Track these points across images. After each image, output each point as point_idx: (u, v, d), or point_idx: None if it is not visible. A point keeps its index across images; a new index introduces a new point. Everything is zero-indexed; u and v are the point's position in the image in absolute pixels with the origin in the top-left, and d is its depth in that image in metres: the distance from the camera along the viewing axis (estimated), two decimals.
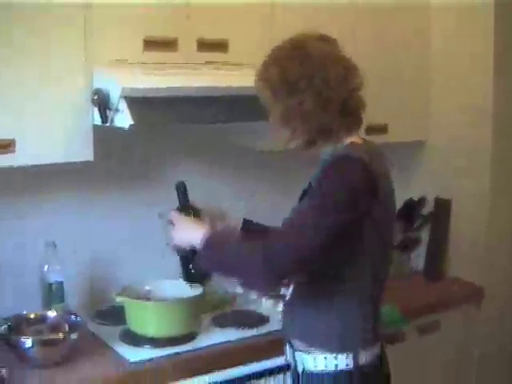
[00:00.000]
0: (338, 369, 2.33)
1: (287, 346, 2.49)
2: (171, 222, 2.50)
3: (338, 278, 2.32)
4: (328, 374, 2.34)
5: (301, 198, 2.43)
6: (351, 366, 2.32)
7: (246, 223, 2.70)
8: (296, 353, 2.42)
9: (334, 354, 2.32)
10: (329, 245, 2.18)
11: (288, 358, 2.50)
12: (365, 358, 2.34)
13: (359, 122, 2.39)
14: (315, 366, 2.36)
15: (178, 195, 2.62)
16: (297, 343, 2.42)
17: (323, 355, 2.34)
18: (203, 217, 2.57)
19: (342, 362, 2.32)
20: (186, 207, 2.60)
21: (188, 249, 2.45)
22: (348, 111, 2.31)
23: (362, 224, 2.24)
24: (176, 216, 2.52)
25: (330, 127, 2.30)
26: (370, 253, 2.31)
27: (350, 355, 2.32)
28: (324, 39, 2.34)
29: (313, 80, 2.24)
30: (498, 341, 3.69)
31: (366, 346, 2.35)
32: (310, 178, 2.39)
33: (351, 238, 2.24)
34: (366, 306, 2.37)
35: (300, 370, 2.41)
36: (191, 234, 2.40)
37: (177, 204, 2.61)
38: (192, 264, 2.53)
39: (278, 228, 2.29)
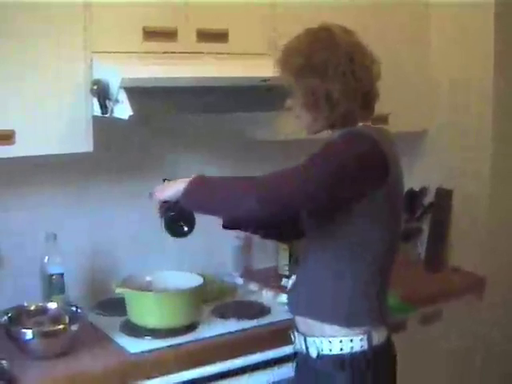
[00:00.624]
0: (354, 350, 2.37)
1: (296, 334, 2.52)
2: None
3: (346, 249, 2.37)
4: (344, 356, 2.37)
5: None
6: (366, 347, 2.37)
7: None
8: (308, 338, 2.44)
9: (350, 337, 2.36)
10: (332, 186, 2.20)
11: (297, 345, 2.52)
12: (377, 339, 2.39)
13: (372, 111, 2.45)
14: (330, 350, 2.39)
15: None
16: (307, 327, 2.45)
17: (338, 338, 2.37)
18: None
19: (356, 344, 2.37)
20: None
21: (173, 202, 2.41)
22: (368, 101, 2.39)
23: (373, 193, 2.28)
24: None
25: (352, 115, 2.36)
26: (379, 227, 2.34)
27: (365, 337, 2.37)
28: (347, 31, 2.39)
29: (340, 68, 2.29)
30: (502, 330, 3.69)
31: (376, 324, 2.40)
32: None
33: (359, 198, 2.28)
34: (374, 282, 2.41)
35: (314, 355, 2.43)
36: (175, 184, 2.39)
37: None
38: (178, 212, 2.46)
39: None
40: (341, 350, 2.38)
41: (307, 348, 2.46)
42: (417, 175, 3.83)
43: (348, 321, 2.38)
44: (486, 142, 3.58)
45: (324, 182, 2.18)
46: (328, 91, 2.30)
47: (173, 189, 2.38)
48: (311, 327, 2.45)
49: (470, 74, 3.62)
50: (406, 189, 3.71)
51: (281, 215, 2.34)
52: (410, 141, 3.83)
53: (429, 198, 3.87)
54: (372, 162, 2.28)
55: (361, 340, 2.37)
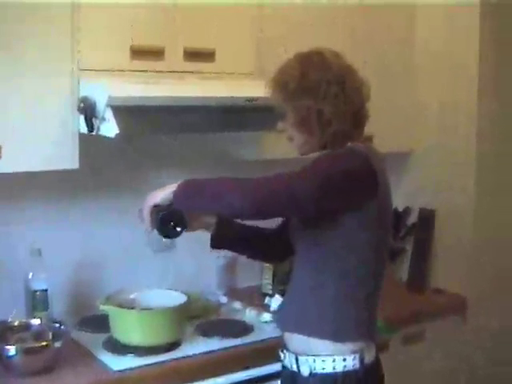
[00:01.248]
0: (346, 369, 2.38)
1: (286, 352, 2.52)
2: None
3: (331, 257, 2.39)
4: (336, 374, 2.39)
5: None
6: (357, 366, 2.39)
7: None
8: (300, 357, 2.45)
9: (343, 356, 2.38)
10: (319, 196, 2.22)
11: (287, 363, 2.52)
12: (368, 357, 2.42)
13: (362, 132, 2.49)
14: (323, 368, 2.40)
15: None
16: (298, 345, 2.46)
17: (332, 357, 2.39)
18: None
19: (349, 362, 2.38)
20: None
21: (164, 206, 2.41)
22: (359, 121, 2.44)
23: (362, 204, 2.32)
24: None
25: (342, 135, 2.39)
26: (366, 235, 2.37)
27: (357, 355, 2.39)
28: (337, 55, 2.44)
29: (331, 89, 2.34)
30: (486, 351, 3.71)
31: (365, 339, 2.42)
32: None
33: (345, 210, 2.32)
34: (360, 293, 2.43)
35: (306, 373, 2.43)
36: (166, 188, 2.39)
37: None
38: (169, 212, 2.44)
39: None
40: (334, 368, 2.39)
41: (298, 367, 2.46)
42: (400, 195, 3.84)
43: (336, 335, 2.40)
44: (469, 163, 3.61)
45: (310, 191, 2.21)
46: (320, 112, 2.35)
47: (164, 191, 2.39)
48: (302, 345, 2.45)
49: (455, 96, 3.66)
50: None
51: (263, 216, 2.33)
52: (393, 161, 3.84)
53: (412, 219, 3.89)
54: (360, 175, 2.32)
55: (353, 359, 2.38)
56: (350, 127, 2.40)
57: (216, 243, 2.70)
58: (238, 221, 2.68)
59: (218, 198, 2.29)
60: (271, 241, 2.78)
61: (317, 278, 2.43)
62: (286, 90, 2.38)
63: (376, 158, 2.39)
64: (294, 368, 2.47)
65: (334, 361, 2.38)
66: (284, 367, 2.57)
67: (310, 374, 2.42)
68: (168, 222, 2.42)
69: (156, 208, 2.42)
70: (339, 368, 2.38)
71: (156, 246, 2.70)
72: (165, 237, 2.49)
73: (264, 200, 2.21)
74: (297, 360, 2.46)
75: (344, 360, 2.38)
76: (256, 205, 2.21)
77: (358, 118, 2.42)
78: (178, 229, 2.44)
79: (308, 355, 2.43)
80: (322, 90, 2.34)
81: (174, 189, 2.35)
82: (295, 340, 2.48)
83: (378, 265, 2.47)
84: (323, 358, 2.39)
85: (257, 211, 2.24)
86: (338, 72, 2.37)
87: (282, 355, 2.56)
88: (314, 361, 2.41)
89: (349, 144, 2.41)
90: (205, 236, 2.68)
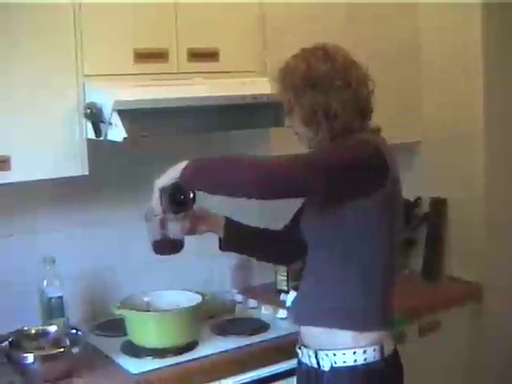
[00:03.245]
0: (367, 361, 2.38)
1: (304, 349, 2.51)
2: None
3: (350, 255, 2.38)
4: (357, 367, 2.39)
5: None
6: (378, 357, 2.40)
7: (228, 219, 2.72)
8: (320, 352, 2.44)
9: (363, 348, 2.38)
10: (330, 179, 2.22)
11: (305, 359, 2.51)
12: (388, 349, 2.42)
13: (368, 124, 2.48)
14: (344, 362, 2.40)
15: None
16: (317, 340, 2.45)
17: (352, 350, 2.38)
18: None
19: (370, 355, 2.38)
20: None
21: (171, 184, 2.41)
22: (365, 113, 2.44)
23: (370, 190, 2.32)
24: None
25: (350, 128, 2.39)
26: (379, 225, 2.38)
27: (377, 347, 2.39)
28: (341, 48, 2.44)
29: (337, 82, 2.34)
30: (502, 339, 3.69)
31: (385, 327, 2.44)
32: None
33: (354, 196, 2.32)
34: (380, 286, 2.44)
35: (327, 368, 2.43)
36: (169, 172, 2.40)
37: None
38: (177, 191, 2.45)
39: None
40: (355, 361, 2.39)
41: (318, 362, 2.45)
42: (411, 186, 3.83)
43: (355, 325, 2.40)
44: (478, 150, 3.61)
45: (323, 173, 2.20)
46: (327, 106, 2.35)
47: (172, 170, 2.38)
48: (321, 339, 2.45)
49: (461, 80, 3.65)
50: None
51: (276, 195, 2.29)
52: (403, 152, 3.85)
53: (424, 209, 3.88)
54: (371, 162, 2.32)
55: (373, 350, 2.39)
56: (356, 120, 2.40)
57: (225, 246, 2.71)
58: (247, 223, 2.71)
59: (229, 181, 2.27)
60: (281, 242, 2.79)
61: (336, 270, 2.42)
62: (291, 86, 2.39)
63: (386, 148, 2.40)
64: (314, 363, 2.47)
65: (354, 353, 2.38)
66: (300, 363, 2.57)
67: (331, 368, 2.42)
68: (176, 196, 2.44)
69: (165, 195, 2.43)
70: (360, 360, 2.38)
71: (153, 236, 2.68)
72: (176, 212, 2.50)
73: (278, 181, 2.20)
74: (316, 355, 2.46)
75: (364, 352, 2.38)
76: (268, 187, 2.21)
77: (364, 111, 2.43)
78: (191, 196, 2.46)
79: (328, 349, 2.42)
80: (328, 85, 2.35)
81: (182, 168, 2.34)
82: (313, 334, 2.48)
83: (393, 253, 2.47)
84: (344, 352, 2.39)
85: (267, 193, 2.24)
86: (343, 66, 2.38)
87: (299, 352, 2.55)
88: (335, 354, 2.40)
89: (358, 135, 2.41)
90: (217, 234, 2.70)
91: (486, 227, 3.64)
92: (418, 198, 3.88)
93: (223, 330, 3.03)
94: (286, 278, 3.56)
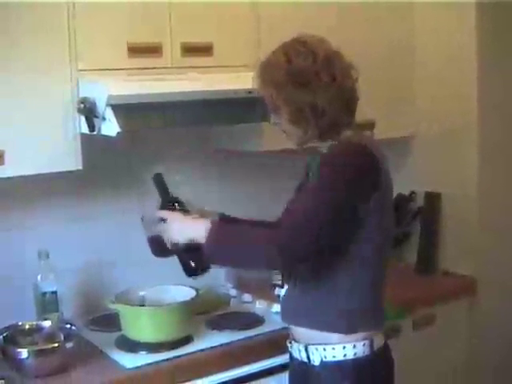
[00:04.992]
0: (357, 356, 2.38)
1: (294, 343, 2.52)
2: (162, 219, 2.49)
3: (342, 256, 2.35)
4: (347, 362, 2.39)
5: (299, 189, 2.52)
6: (368, 352, 2.40)
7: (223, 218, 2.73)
8: (309, 347, 2.44)
9: (353, 343, 2.38)
10: (336, 219, 2.23)
11: (296, 354, 2.51)
12: (377, 343, 2.42)
13: (354, 115, 2.45)
14: (334, 356, 2.39)
15: (158, 188, 2.61)
16: (307, 336, 2.45)
17: (341, 344, 2.38)
18: (190, 209, 2.57)
19: (359, 349, 2.38)
20: (169, 200, 2.59)
21: (185, 243, 2.42)
22: (350, 105, 2.40)
23: (368, 199, 2.30)
24: (165, 212, 2.51)
25: (339, 122, 2.37)
26: (375, 230, 2.36)
27: (367, 342, 2.39)
28: (323, 40, 2.39)
29: (321, 77, 2.30)
30: (496, 332, 3.70)
31: (377, 328, 2.44)
32: (307, 168, 2.50)
33: (356, 213, 2.30)
34: (368, 287, 2.42)
35: (317, 362, 2.42)
36: (191, 227, 2.40)
37: None
38: (193, 257, 2.49)
39: (283, 216, 2.33)
40: (344, 356, 2.38)
41: (308, 356, 2.45)
42: (405, 180, 3.85)
43: (348, 328, 2.39)
44: (472, 144, 3.61)
45: (326, 232, 2.22)
46: (312, 102, 2.31)
47: (190, 231, 2.38)
48: (310, 334, 2.45)
49: (455, 76, 3.65)
50: (394, 194, 3.76)
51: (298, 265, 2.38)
52: (396, 146, 3.85)
53: (418, 203, 3.88)
54: (364, 177, 2.30)
55: (363, 345, 2.39)
56: (343, 114, 2.37)
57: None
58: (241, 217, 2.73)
59: (251, 256, 2.30)
60: None
61: (327, 271, 2.40)
62: (272, 81, 2.35)
63: (374, 145, 2.39)
64: (304, 358, 2.47)
65: (344, 348, 2.38)
66: (292, 358, 2.57)
67: (321, 362, 2.42)
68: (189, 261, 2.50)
69: (177, 244, 2.45)
70: (350, 355, 2.38)
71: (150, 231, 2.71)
72: (189, 275, 2.55)
73: (295, 258, 2.24)
74: (306, 349, 2.46)
75: (354, 347, 2.38)
76: (291, 261, 2.26)
77: (350, 102, 2.40)
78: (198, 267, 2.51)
79: (318, 344, 2.42)
80: (313, 81, 2.30)
81: (205, 236, 2.30)
82: (302, 330, 2.48)
83: (386, 252, 2.47)
84: (333, 346, 2.39)
85: (290, 265, 2.36)
86: (325, 58, 2.32)
87: (289, 346, 2.56)
88: (325, 349, 2.40)
89: (347, 133, 2.40)
90: None
91: (480, 221, 3.65)
92: (413, 193, 3.88)
93: (218, 325, 3.03)
94: (280, 272, 3.56)
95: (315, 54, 2.32)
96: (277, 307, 3.13)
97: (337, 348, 2.38)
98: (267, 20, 3.13)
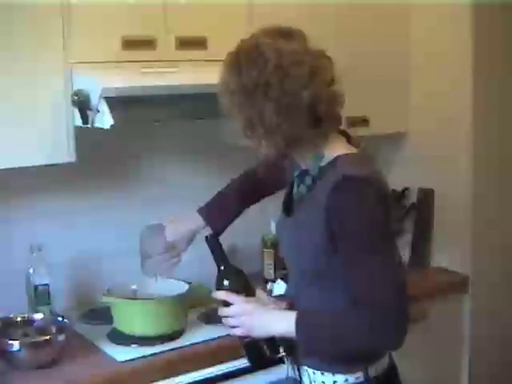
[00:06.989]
0: (349, 383, 2.22)
1: (288, 359, 2.33)
2: (225, 303, 2.26)
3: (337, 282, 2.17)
4: None
5: (287, 207, 2.32)
6: (362, 379, 2.22)
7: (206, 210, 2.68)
8: (301, 367, 2.29)
9: (345, 375, 2.21)
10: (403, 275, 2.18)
11: (290, 370, 2.35)
12: (375, 370, 2.24)
13: (337, 122, 2.20)
14: (323, 382, 2.23)
15: (214, 254, 2.32)
16: (297, 356, 2.29)
17: (330, 373, 2.22)
18: (255, 291, 2.32)
19: (351, 379, 2.21)
20: (230, 272, 2.31)
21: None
22: (319, 115, 2.09)
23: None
24: (234, 298, 2.24)
25: (298, 138, 2.11)
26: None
27: (361, 374, 2.21)
28: (286, 35, 2.11)
29: (270, 86, 2.03)
30: (488, 329, 3.72)
31: (374, 361, 2.25)
32: (293, 187, 2.31)
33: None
34: None
35: (307, 383, 2.28)
36: (272, 325, 2.19)
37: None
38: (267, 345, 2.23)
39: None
40: (334, 382, 2.22)
41: (300, 376, 2.30)
42: (398, 176, 3.85)
43: (346, 369, 2.22)
44: (466, 140, 3.61)
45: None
46: (260, 115, 2.06)
47: (274, 328, 2.18)
48: (302, 359, 2.30)
49: (449, 71, 3.65)
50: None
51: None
52: (390, 142, 3.86)
53: (411, 199, 3.89)
54: (386, 221, 2.12)
55: (357, 378, 2.21)
56: (304, 126, 2.08)
57: (219, 229, 2.65)
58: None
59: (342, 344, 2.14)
60: (264, 188, 2.74)
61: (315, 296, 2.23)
62: (225, 98, 2.13)
63: (374, 166, 2.22)
64: (296, 376, 2.32)
65: (333, 374, 2.22)
66: (287, 372, 2.40)
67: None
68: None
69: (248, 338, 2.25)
70: (340, 382, 2.22)
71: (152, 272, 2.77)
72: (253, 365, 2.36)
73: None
74: (298, 369, 2.30)
75: (346, 381, 2.21)
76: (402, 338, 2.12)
77: (315, 110, 2.08)
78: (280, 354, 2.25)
79: (308, 366, 2.27)
80: (259, 92, 2.04)
81: (292, 329, 2.12)
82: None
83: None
84: (323, 372, 2.23)
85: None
86: (275, 64, 2.03)
87: (285, 360, 2.36)
88: (314, 373, 2.25)
89: (330, 153, 2.17)
90: None
91: (473, 217, 3.65)
92: (406, 189, 3.88)
93: (210, 319, 3.02)
94: (272, 267, 3.57)
95: (265, 61, 2.04)
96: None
97: (326, 375, 2.23)
98: (261, 13, 3.12)
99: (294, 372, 2.33)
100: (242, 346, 2.28)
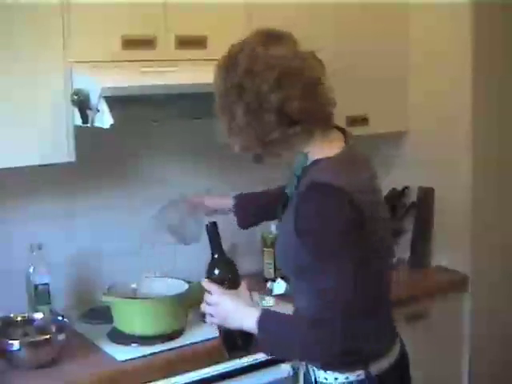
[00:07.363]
0: (350, 380, 2.22)
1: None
2: (208, 292, 2.33)
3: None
4: None
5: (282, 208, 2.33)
6: (363, 376, 2.21)
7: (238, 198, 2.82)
8: (309, 364, 2.31)
9: (345, 374, 2.21)
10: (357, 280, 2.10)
11: (295, 367, 2.40)
12: (377, 368, 2.24)
13: (323, 121, 2.20)
14: (326, 379, 2.24)
15: (211, 241, 2.39)
16: None
17: (332, 370, 2.23)
18: (240, 285, 2.36)
19: (353, 377, 2.21)
20: (221, 261, 2.38)
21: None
22: (291, 116, 2.12)
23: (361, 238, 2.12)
24: (216, 291, 2.31)
25: (273, 137, 2.14)
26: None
27: (362, 372, 2.21)
28: (275, 38, 2.18)
29: (244, 89, 2.10)
30: (488, 327, 3.72)
31: (374, 360, 2.24)
32: (287, 187, 2.34)
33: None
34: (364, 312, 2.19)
35: (312, 379, 2.29)
36: (241, 319, 2.23)
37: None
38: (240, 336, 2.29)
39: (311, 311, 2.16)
40: (335, 379, 2.23)
41: (308, 370, 2.30)
42: (398, 175, 3.85)
43: (343, 367, 2.22)
44: (465, 139, 3.61)
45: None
46: (233, 118, 2.15)
47: (240, 323, 2.23)
48: None
49: (449, 70, 3.65)
50: (387, 189, 3.77)
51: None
52: (390, 141, 3.86)
53: (411, 198, 3.89)
54: (351, 232, 2.09)
55: (357, 376, 2.21)
56: (275, 128, 2.12)
57: (242, 222, 2.79)
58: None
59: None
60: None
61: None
62: (215, 93, 2.23)
63: (357, 170, 2.19)
64: (304, 369, 2.34)
65: (334, 372, 2.23)
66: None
67: (315, 380, 2.28)
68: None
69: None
70: (341, 379, 2.22)
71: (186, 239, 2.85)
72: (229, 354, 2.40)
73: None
74: (306, 365, 2.32)
75: (347, 378, 2.22)
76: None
77: (286, 113, 2.11)
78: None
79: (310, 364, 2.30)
80: (231, 97, 2.14)
81: (255, 326, 2.17)
82: None
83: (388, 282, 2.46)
84: (325, 369, 2.25)
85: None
86: (246, 69, 2.11)
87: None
88: (316, 370, 2.27)
89: (313, 154, 2.19)
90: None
91: (472, 216, 3.65)
92: (406, 188, 3.88)
93: None
94: (272, 266, 3.57)
95: (237, 66, 2.13)
96: (269, 301, 3.14)
97: (328, 372, 2.24)
98: (260, 12, 3.11)
99: (297, 366, 2.38)
100: (218, 333, 2.36)
